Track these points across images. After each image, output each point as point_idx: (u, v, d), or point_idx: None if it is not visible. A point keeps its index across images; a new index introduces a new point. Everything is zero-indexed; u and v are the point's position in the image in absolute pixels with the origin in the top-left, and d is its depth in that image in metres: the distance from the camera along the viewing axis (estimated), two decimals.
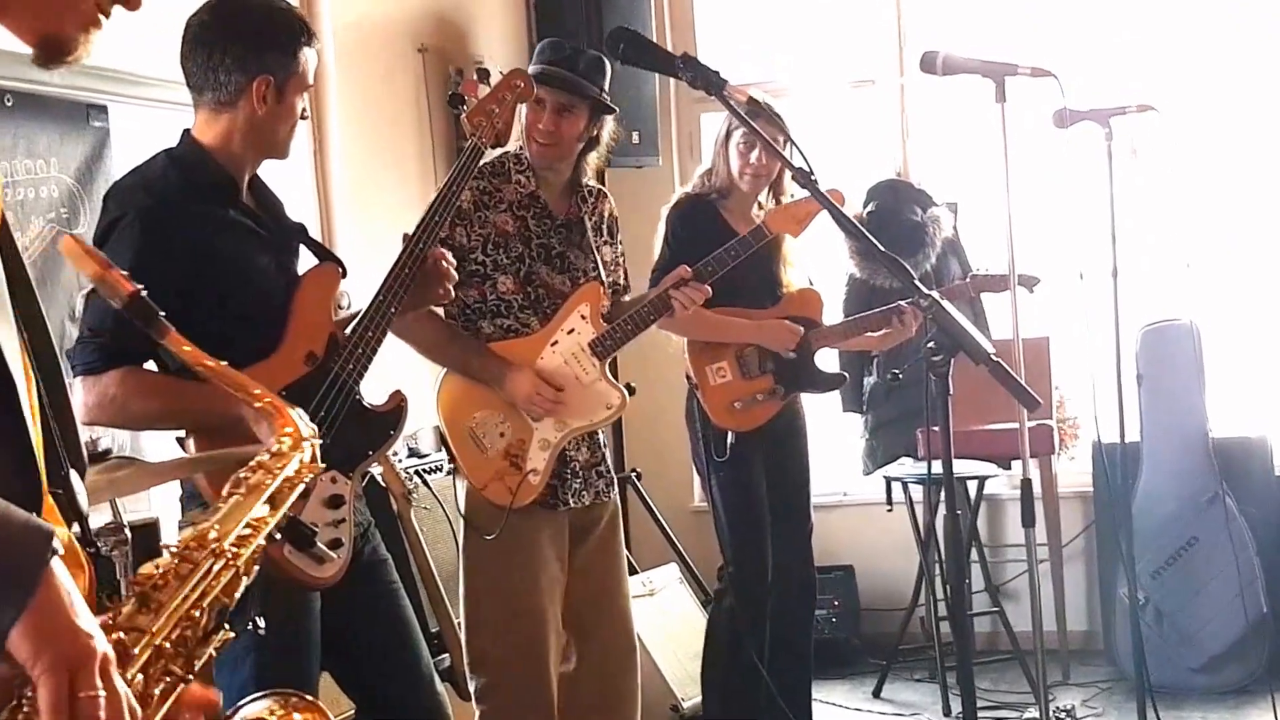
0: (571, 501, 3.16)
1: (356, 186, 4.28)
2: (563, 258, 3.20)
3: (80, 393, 2.24)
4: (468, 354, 3.08)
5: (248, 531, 1.22)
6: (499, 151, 3.06)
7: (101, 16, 1.16)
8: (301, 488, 1.30)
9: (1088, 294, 3.77)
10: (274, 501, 1.26)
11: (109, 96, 3.38)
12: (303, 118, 2.40)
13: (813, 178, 2.24)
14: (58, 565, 1.06)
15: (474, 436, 3.06)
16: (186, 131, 2.40)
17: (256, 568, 1.22)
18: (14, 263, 1.18)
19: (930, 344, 2.02)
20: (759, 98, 3.46)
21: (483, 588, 3.08)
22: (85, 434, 3.06)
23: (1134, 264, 4.49)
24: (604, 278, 3.25)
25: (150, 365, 2.31)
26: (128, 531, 1.97)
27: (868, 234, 2.25)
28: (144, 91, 3.47)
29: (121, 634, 1.11)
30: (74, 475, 1.20)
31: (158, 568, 1.17)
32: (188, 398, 2.19)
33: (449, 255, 2.60)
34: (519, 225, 3.14)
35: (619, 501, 3.36)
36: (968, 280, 3.94)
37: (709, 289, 3.22)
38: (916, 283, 2.05)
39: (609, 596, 3.27)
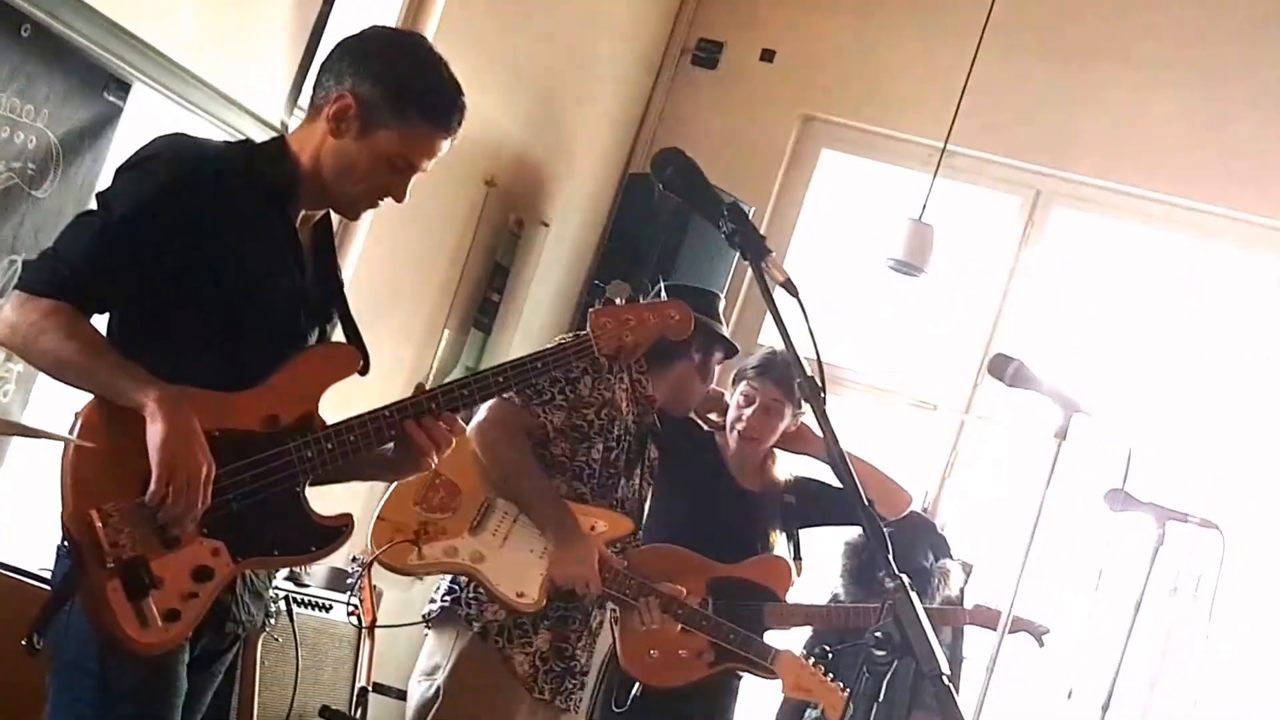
0: (559, 703, 3.12)
1: (372, 285, 4.12)
2: (635, 468, 3.23)
3: (6, 307, 2.08)
4: (546, 492, 3.04)
5: None
6: None
7: None
8: None
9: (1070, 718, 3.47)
10: None
11: (137, 74, 3.23)
12: (394, 199, 2.23)
13: (835, 442, 1.93)
14: None
15: (429, 486, 3.00)
16: (282, 135, 2.34)
17: None
18: None
19: (878, 634, 1.77)
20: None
21: None
22: None
23: (1133, 698, 4.20)
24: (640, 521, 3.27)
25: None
26: None
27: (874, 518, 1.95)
28: (177, 85, 3.34)
29: None
30: None
31: None
32: (101, 363, 2.05)
33: (458, 434, 2.28)
34: (631, 412, 3.17)
35: None
36: (968, 609, 3.72)
37: (694, 636, 3.20)
38: (890, 559, 1.82)
39: None
